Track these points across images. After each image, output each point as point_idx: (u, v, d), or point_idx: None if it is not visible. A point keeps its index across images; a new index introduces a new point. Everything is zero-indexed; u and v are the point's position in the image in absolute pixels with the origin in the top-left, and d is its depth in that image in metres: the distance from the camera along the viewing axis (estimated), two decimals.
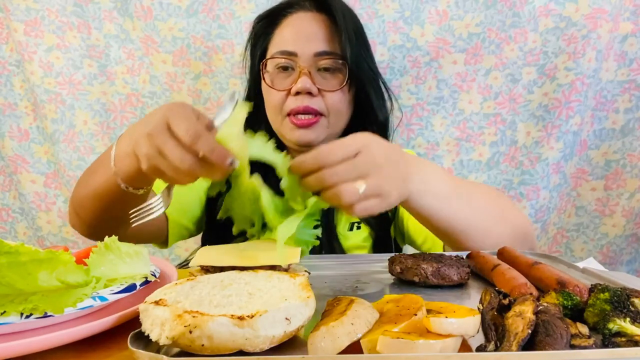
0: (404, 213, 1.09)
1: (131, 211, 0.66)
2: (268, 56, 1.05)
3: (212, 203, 1.08)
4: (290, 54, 1.00)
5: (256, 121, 1.16)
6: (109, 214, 0.81)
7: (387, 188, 0.65)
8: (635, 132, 1.33)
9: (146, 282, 0.56)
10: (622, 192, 1.36)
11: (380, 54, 1.39)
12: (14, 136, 1.47)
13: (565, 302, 0.49)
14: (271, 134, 1.12)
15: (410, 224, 1.08)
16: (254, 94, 1.13)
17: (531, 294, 0.54)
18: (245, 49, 1.14)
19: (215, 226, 1.05)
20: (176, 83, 1.46)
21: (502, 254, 0.73)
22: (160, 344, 0.41)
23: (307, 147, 1.03)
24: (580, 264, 0.72)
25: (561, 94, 1.31)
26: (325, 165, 0.61)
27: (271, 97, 1.04)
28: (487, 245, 0.80)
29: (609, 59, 1.31)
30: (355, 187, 0.61)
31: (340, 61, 1.00)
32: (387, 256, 0.73)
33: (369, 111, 1.08)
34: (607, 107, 1.35)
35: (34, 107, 1.45)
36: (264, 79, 1.05)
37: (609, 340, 0.43)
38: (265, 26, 1.08)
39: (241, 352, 0.40)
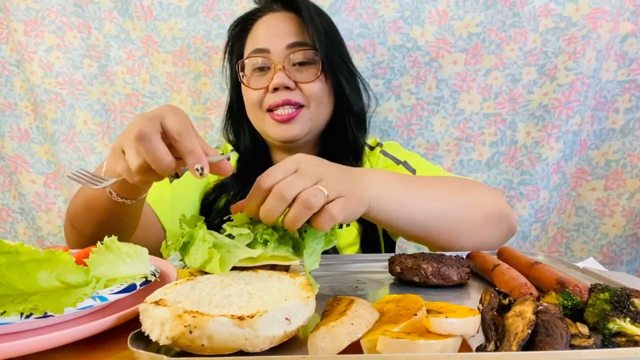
0: None
1: (81, 171, 0.62)
2: (243, 58, 1.08)
3: (207, 209, 1.09)
4: (263, 51, 1.03)
5: (239, 126, 1.17)
6: (103, 227, 0.79)
7: (345, 188, 0.59)
8: (635, 132, 1.33)
9: (146, 282, 0.56)
10: (622, 192, 1.36)
11: (380, 54, 1.39)
12: (14, 136, 1.47)
13: (565, 302, 0.49)
14: (254, 138, 1.15)
15: None
16: (236, 101, 1.15)
17: (531, 294, 0.54)
18: (223, 57, 1.17)
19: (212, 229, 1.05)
20: (176, 83, 1.46)
21: (502, 254, 0.73)
22: (160, 344, 0.41)
23: (291, 142, 1.05)
24: (580, 264, 0.72)
25: (561, 94, 1.31)
26: (273, 184, 0.56)
27: (250, 97, 1.06)
28: (462, 236, 0.77)
29: (609, 59, 1.31)
30: (317, 188, 0.55)
31: (312, 51, 1.02)
32: (387, 256, 0.73)
33: (344, 101, 1.10)
34: (607, 107, 1.34)
35: (34, 107, 1.45)
36: (241, 80, 1.07)
37: (609, 340, 0.43)
38: (238, 32, 1.13)
39: (241, 352, 0.40)
